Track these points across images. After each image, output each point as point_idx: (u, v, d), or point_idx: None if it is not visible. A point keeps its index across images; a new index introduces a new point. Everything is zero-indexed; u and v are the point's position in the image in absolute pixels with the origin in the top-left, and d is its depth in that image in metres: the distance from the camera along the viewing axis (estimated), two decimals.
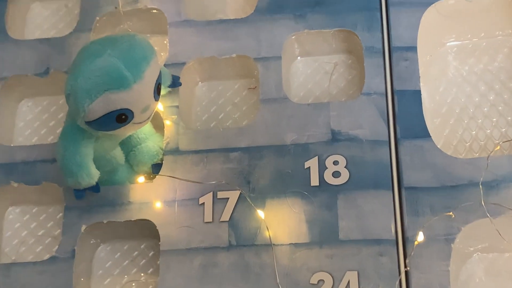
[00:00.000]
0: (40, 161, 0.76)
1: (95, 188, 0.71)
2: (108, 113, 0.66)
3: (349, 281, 0.66)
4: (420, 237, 0.66)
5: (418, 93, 0.74)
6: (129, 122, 0.68)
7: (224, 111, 0.80)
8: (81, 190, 0.71)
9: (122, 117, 0.67)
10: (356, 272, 0.67)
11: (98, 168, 0.71)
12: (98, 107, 0.65)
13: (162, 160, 0.74)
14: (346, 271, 0.67)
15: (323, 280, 0.67)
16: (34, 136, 0.82)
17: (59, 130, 0.79)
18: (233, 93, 0.80)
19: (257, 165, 0.72)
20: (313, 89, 0.79)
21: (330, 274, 0.67)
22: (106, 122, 0.67)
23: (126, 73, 0.65)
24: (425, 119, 0.73)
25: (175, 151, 0.74)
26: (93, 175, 0.70)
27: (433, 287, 0.65)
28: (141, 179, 0.74)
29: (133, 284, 0.72)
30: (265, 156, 0.72)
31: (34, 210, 0.77)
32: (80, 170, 0.70)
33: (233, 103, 0.80)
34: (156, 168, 0.74)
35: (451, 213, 0.67)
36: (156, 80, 0.68)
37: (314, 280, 0.67)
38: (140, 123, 0.69)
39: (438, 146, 0.72)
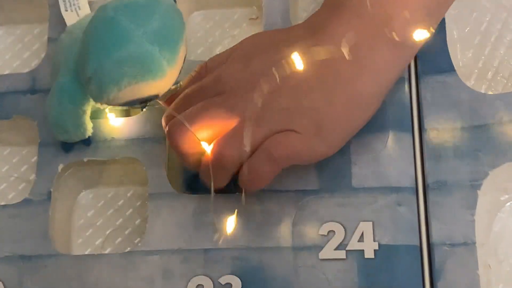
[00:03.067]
0: (13, 92, 0.71)
1: (87, 142, 0.68)
2: (133, 100, 0.62)
3: (362, 233, 0.63)
4: None
5: (442, 21, 0.69)
6: (151, 101, 0.64)
7: (221, 44, 0.76)
8: (71, 144, 0.68)
9: (148, 100, 0.63)
10: (371, 222, 0.63)
11: None
12: (125, 95, 0.61)
13: None
14: (360, 222, 0.63)
15: (333, 231, 0.63)
16: (6, 69, 0.77)
17: (34, 63, 0.76)
18: (232, 24, 0.76)
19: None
20: None
21: (342, 225, 0.63)
22: (127, 105, 0.63)
23: (162, 62, 0.60)
24: (455, 51, 0.69)
25: None
26: (89, 130, 0.67)
27: (456, 239, 0.61)
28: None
29: (118, 239, 0.69)
30: None
31: (5, 152, 0.74)
32: (77, 129, 0.66)
33: (231, 35, 0.76)
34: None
35: None
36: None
37: (323, 231, 0.63)
38: None
39: (471, 82, 0.69)
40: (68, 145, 0.68)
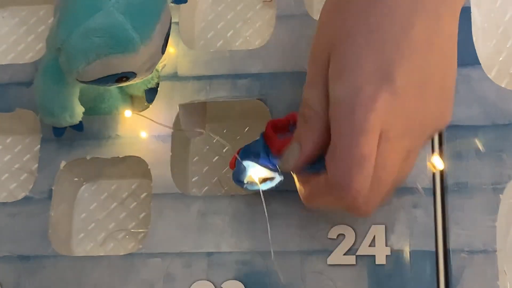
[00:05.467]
0: (15, 83, 0.68)
1: (78, 127, 0.64)
2: (106, 76, 0.58)
3: (374, 237, 0.59)
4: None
5: (467, 10, 0.64)
6: (129, 81, 0.60)
7: (233, 28, 0.71)
8: (62, 128, 0.64)
9: (122, 78, 0.59)
10: (384, 226, 0.59)
11: (81, 94, 0.63)
12: (95, 70, 0.57)
13: (157, 84, 0.66)
14: (371, 225, 0.59)
15: (343, 234, 0.59)
16: (10, 53, 0.74)
17: (38, 47, 0.73)
18: (245, 6, 0.72)
19: (270, 95, 0.64)
20: None
21: (352, 228, 0.59)
22: (102, 82, 0.59)
23: (133, 35, 0.56)
24: (477, 41, 0.64)
25: (173, 77, 0.66)
26: (78, 114, 0.63)
27: (475, 246, 0.58)
28: (127, 113, 0.65)
29: (121, 234, 0.66)
30: (280, 85, 0.64)
31: (8, 141, 0.71)
32: (63, 112, 0.62)
33: (244, 18, 0.71)
34: (151, 94, 0.66)
35: None
36: (166, 33, 0.60)
37: (333, 234, 0.59)
38: (142, 78, 0.62)
39: (491, 74, 0.64)
40: (59, 130, 0.64)
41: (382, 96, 0.50)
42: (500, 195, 0.59)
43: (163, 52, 0.60)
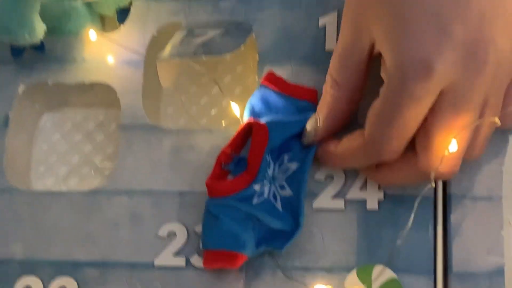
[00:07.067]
0: None
1: (39, 47, 0.58)
2: None
3: (366, 179, 0.52)
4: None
5: None
6: None
7: None
8: (20, 48, 0.58)
9: None
10: None
11: (44, 11, 0.56)
12: None
13: (130, 3, 0.59)
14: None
15: (332, 176, 0.53)
16: None
17: None
18: None
19: (256, 20, 0.57)
20: None
21: (342, 169, 0.53)
22: None
23: None
24: None
25: None
26: (38, 32, 0.56)
27: (479, 192, 0.52)
28: (92, 34, 0.59)
29: (85, 169, 0.60)
30: (267, 8, 0.58)
31: None
32: (21, 28, 0.55)
33: None
34: (123, 14, 0.59)
35: None
36: None
37: (320, 175, 0.53)
38: None
39: None
40: (17, 50, 0.58)
41: (439, 58, 0.46)
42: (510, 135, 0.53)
43: None
